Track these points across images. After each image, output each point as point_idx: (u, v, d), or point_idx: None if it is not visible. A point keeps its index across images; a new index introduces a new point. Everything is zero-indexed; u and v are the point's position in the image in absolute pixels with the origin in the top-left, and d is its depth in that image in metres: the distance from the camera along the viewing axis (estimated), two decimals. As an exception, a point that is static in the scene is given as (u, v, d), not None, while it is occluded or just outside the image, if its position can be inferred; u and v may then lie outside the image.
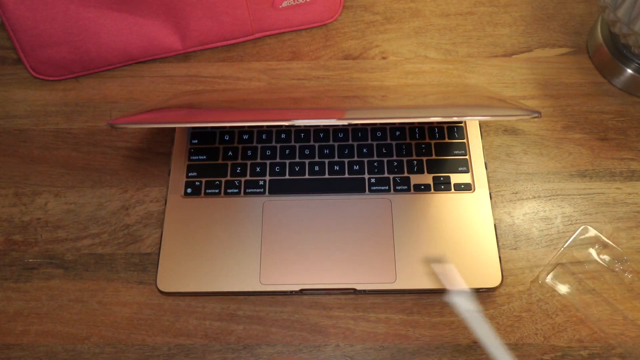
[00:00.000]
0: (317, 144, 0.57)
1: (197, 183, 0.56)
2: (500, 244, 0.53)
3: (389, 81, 0.63)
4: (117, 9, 0.58)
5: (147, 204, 0.56)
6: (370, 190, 0.55)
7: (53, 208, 0.56)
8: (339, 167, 0.56)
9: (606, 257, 0.52)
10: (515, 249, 0.53)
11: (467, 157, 0.56)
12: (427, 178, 0.55)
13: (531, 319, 0.50)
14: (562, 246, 0.53)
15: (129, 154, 0.59)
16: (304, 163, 0.57)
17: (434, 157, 0.57)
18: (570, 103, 0.60)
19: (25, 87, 0.63)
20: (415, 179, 0.55)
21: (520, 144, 0.58)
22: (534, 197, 0.56)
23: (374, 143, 0.57)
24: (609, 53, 0.60)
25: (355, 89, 0.62)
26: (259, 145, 0.58)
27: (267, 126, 0.58)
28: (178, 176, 0.56)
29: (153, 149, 0.59)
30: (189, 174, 0.56)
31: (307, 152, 0.57)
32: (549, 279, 0.52)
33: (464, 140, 0.57)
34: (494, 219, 0.54)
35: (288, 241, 0.53)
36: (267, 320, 0.51)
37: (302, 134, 0.58)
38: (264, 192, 0.55)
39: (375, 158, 0.57)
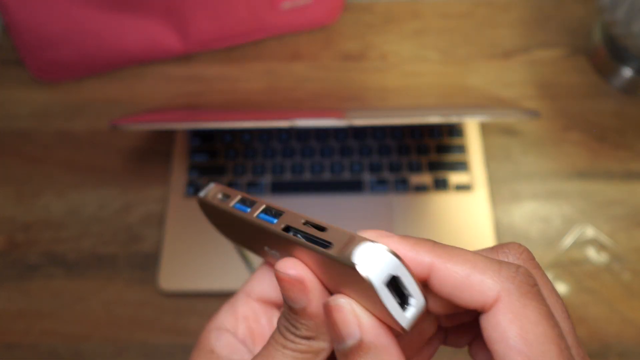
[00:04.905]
0: (317, 144, 0.58)
1: (198, 183, 0.56)
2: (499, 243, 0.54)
3: (389, 82, 0.63)
4: (118, 10, 0.59)
5: (149, 204, 0.57)
6: (371, 190, 0.55)
7: (55, 208, 0.57)
8: (339, 167, 0.56)
9: (604, 257, 0.52)
10: (515, 248, 0.53)
11: (466, 157, 0.57)
12: (427, 178, 0.56)
13: (530, 318, 0.50)
14: (561, 246, 0.53)
15: (130, 154, 0.59)
16: (305, 163, 0.57)
17: (433, 157, 0.57)
18: (568, 104, 0.61)
19: (27, 89, 0.64)
20: (415, 179, 0.56)
21: (519, 145, 0.59)
22: (533, 197, 0.56)
23: (374, 143, 0.58)
24: (608, 54, 0.60)
25: (355, 90, 0.62)
26: (260, 145, 0.58)
27: (268, 127, 0.59)
28: (179, 176, 0.57)
29: (154, 149, 0.60)
30: (190, 174, 0.57)
31: (307, 152, 0.57)
32: (547, 278, 0.52)
33: (464, 141, 0.58)
34: (493, 219, 0.54)
35: (289, 241, 0.53)
36: (267, 319, 0.51)
37: (303, 134, 0.58)
38: (264, 192, 0.55)
39: (375, 158, 0.57)
